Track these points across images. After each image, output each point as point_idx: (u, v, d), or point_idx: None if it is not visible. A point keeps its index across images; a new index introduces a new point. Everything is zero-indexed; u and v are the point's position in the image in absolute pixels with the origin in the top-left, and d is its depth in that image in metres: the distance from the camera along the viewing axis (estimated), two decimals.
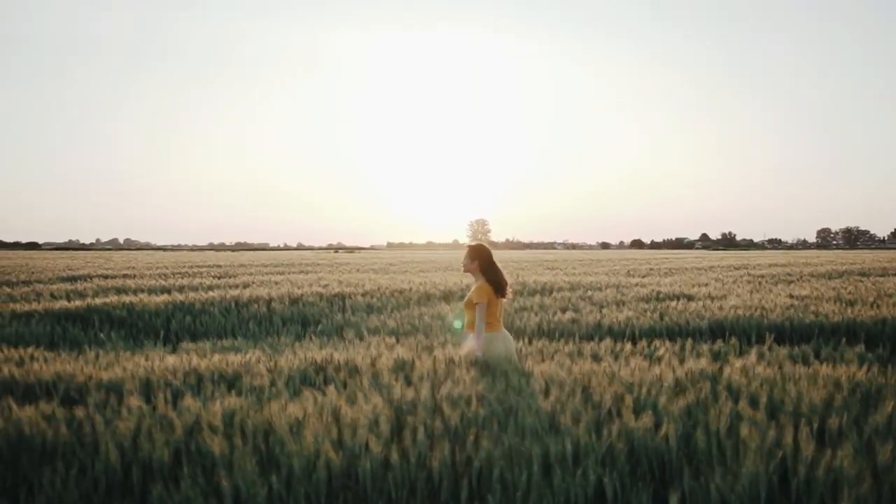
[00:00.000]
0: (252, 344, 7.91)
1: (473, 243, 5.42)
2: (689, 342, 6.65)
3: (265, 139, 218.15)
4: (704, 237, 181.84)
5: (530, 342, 7.00)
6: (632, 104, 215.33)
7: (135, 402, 4.42)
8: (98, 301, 10.77)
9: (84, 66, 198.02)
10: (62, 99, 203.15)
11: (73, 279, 17.09)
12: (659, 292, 11.62)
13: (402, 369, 5.07)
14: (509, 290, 5.40)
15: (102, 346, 8.25)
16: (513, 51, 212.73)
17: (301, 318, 9.86)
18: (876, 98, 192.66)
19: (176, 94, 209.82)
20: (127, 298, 10.96)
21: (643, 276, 17.86)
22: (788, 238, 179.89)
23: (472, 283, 5.55)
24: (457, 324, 7.58)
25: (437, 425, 3.65)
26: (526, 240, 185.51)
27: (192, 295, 11.41)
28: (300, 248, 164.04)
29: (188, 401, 4.28)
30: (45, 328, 9.13)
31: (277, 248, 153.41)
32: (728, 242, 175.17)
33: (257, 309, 10.31)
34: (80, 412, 4.22)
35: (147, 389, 5.00)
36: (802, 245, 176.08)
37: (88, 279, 16.91)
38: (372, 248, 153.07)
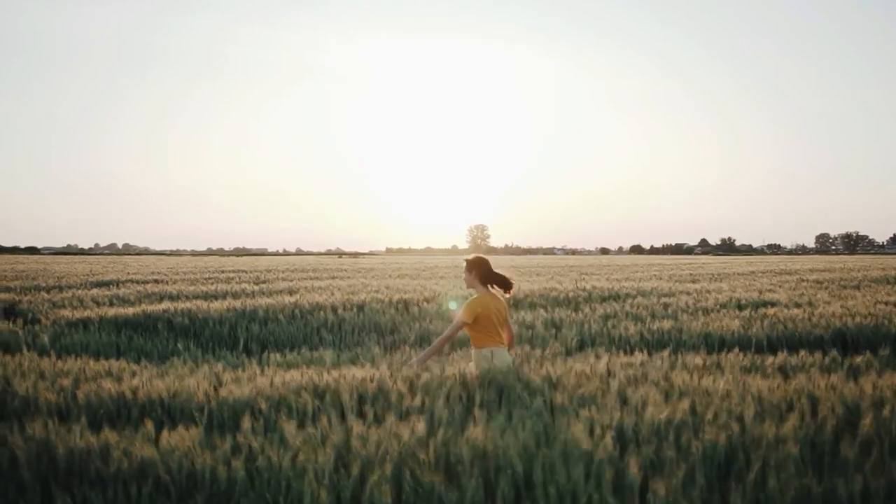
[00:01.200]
0: (338, 355, 7.32)
1: (470, 257, 5.29)
2: (821, 354, 6.08)
3: (263, 144, 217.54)
4: (704, 242, 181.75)
5: (648, 354, 6.42)
6: (630, 109, 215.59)
7: (290, 426, 3.84)
8: (153, 307, 10.17)
9: (80, 71, 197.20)
10: (61, 103, 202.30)
11: (105, 284, 16.46)
12: (738, 298, 11.06)
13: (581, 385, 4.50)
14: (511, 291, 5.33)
15: (179, 356, 7.66)
16: (512, 56, 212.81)
17: (374, 326, 9.27)
18: (875, 103, 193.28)
19: (174, 98, 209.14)
20: (183, 305, 10.36)
21: (692, 282, 17.32)
22: (787, 243, 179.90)
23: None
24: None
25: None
26: (525, 245, 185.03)
27: (248, 301, 10.81)
28: (299, 253, 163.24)
29: (356, 424, 3.71)
30: (109, 337, 8.53)
31: (276, 254, 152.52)
32: (728, 247, 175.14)
33: (324, 317, 9.72)
34: (241, 439, 3.64)
35: (289, 409, 4.42)
36: (801, 250, 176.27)
37: (121, 284, 16.29)
38: (370, 253, 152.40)
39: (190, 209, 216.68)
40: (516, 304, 11.12)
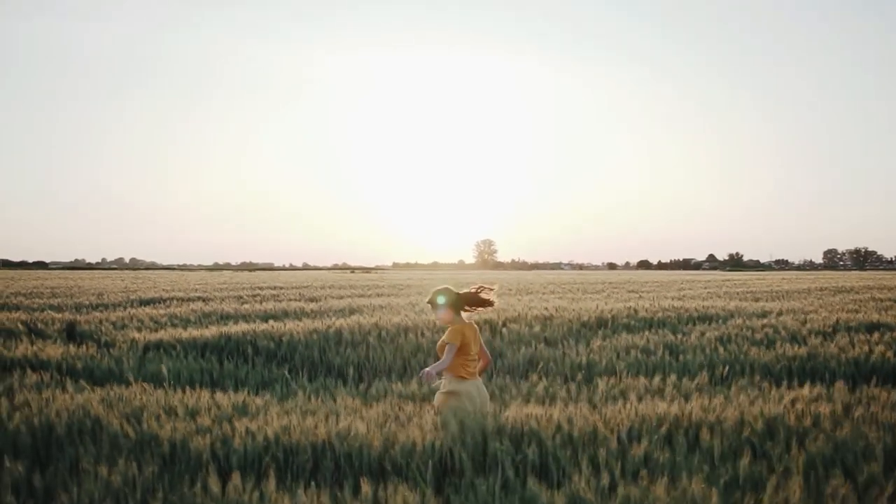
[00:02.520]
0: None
1: (429, 296, 5.07)
2: None
3: (268, 159, 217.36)
4: (711, 258, 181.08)
5: (811, 386, 5.76)
6: (635, 125, 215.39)
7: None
8: (230, 329, 9.55)
9: (81, 84, 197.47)
10: (65, 118, 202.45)
11: (151, 302, 15.83)
12: (843, 321, 10.37)
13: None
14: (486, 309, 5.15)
15: (279, 385, 7.02)
16: (517, 71, 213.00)
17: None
18: (883, 117, 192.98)
19: (179, 113, 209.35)
20: (260, 326, 9.74)
21: (755, 300, 16.65)
22: (795, 259, 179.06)
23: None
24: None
25: None
26: (531, 260, 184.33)
27: (328, 322, 10.16)
28: (306, 267, 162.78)
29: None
30: (196, 362, 7.90)
31: (283, 268, 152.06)
32: (735, 263, 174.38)
33: (414, 339, 9.07)
34: None
35: (521, 460, 3.79)
36: (810, 266, 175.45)
37: (168, 302, 15.66)
38: (377, 268, 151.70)
39: (193, 224, 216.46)
40: (604, 324, 10.47)
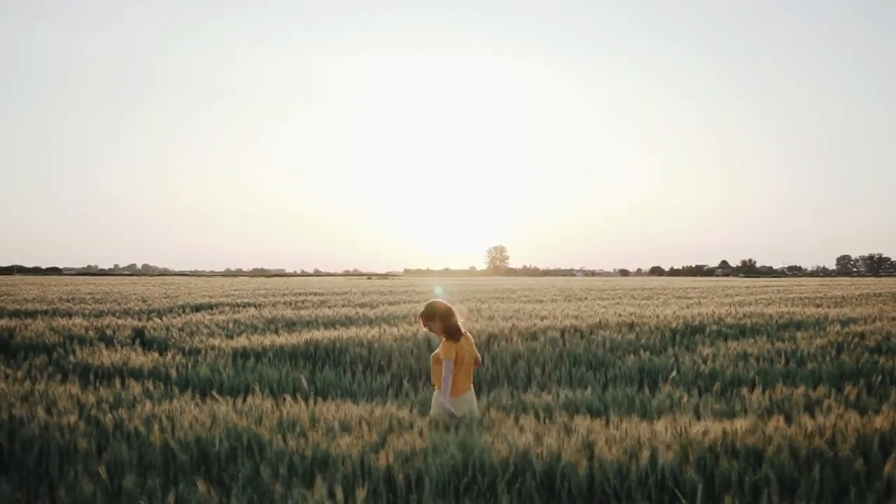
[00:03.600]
0: (599, 397, 6.23)
1: (422, 308, 5.05)
2: None
3: (277, 165, 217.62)
4: (724, 264, 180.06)
5: None
6: (646, 131, 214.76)
7: None
8: (319, 336, 9.16)
9: (80, 93, 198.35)
10: (76, 125, 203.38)
11: (202, 308, 15.47)
12: None
13: None
14: (466, 335, 5.04)
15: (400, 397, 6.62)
16: (526, 77, 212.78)
17: (591, 358, 8.21)
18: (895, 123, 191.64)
19: (188, 120, 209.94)
20: (347, 333, 9.35)
21: (816, 306, 16.17)
22: (808, 265, 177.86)
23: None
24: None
25: None
26: (542, 267, 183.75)
27: (410, 329, 9.76)
28: (318, 274, 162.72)
29: None
30: (294, 370, 7.51)
31: (295, 274, 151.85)
32: (748, 269, 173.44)
33: (509, 345, 8.66)
34: None
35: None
36: (823, 272, 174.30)
37: (219, 308, 15.30)
38: (388, 274, 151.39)
39: (203, 230, 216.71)
40: (696, 331, 10.03)
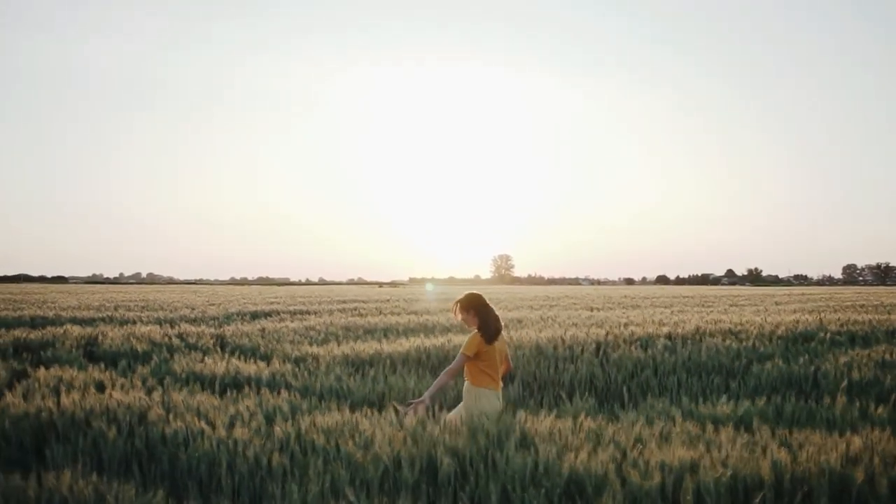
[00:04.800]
0: (734, 406, 5.84)
1: (462, 296, 4.95)
2: None
3: (281, 174, 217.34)
4: (730, 273, 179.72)
5: None
6: (650, 139, 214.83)
7: None
8: (428, 343, 8.79)
9: (86, 101, 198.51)
10: (80, 133, 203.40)
11: (259, 316, 15.09)
12: None
13: None
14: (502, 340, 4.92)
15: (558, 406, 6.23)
16: (531, 86, 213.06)
17: (716, 366, 7.81)
18: None
19: (196, 128, 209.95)
20: (457, 339, 8.97)
21: (889, 313, 15.77)
22: (813, 274, 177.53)
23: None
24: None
25: None
26: (547, 275, 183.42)
27: (508, 337, 9.37)
28: (323, 282, 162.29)
29: None
30: (417, 379, 7.13)
31: (300, 283, 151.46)
32: (754, 278, 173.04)
33: (628, 353, 8.27)
34: None
35: None
36: (829, 281, 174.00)
37: (279, 315, 14.91)
38: (393, 283, 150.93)
39: (206, 239, 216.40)
40: (805, 338, 9.64)
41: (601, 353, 8.40)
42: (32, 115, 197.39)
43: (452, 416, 4.85)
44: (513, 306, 19.85)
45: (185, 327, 11.19)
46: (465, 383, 4.86)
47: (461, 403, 4.91)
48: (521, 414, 4.76)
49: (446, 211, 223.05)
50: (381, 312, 16.47)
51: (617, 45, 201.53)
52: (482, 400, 4.75)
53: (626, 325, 11.24)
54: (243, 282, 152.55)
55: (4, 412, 5.24)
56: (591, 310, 17.88)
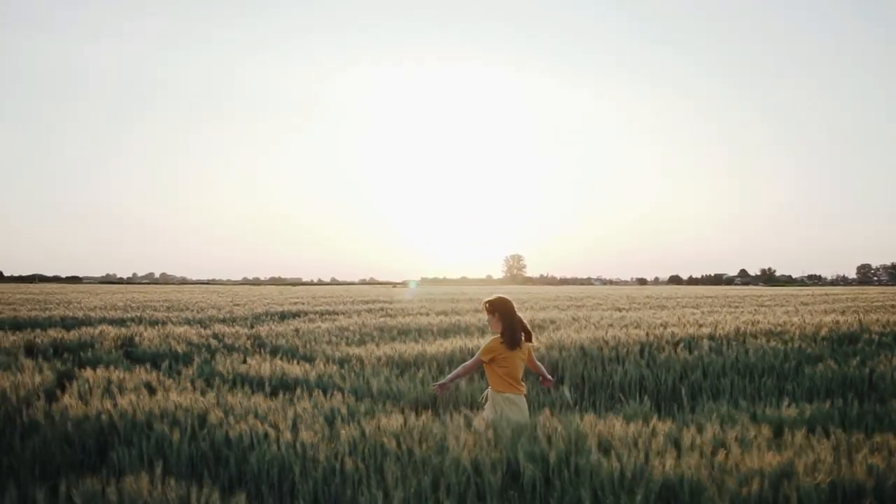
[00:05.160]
0: (799, 411, 5.73)
1: (492, 297, 4.85)
2: None
3: (290, 175, 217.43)
4: (743, 273, 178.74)
5: None
6: (661, 139, 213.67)
7: None
8: (471, 344, 8.71)
9: (81, 105, 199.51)
10: (87, 134, 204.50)
11: (287, 317, 15.08)
12: None
13: None
14: (531, 344, 4.84)
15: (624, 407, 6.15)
16: (541, 86, 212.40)
17: (766, 368, 7.70)
18: None
19: (205, 129, 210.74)
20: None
21: None
22: (827, 274, 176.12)
23: None
24: (412, 284, 5.63)
25: None
26: (559, 275, 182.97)
27: (549, 338, 9.28)
28: (335, 283, 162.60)
29: None
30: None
31: (312, 283, 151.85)
32: (768, 278, 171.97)
33: (675, 355, 8.16)
34: None
35: None
36: (843, 281, 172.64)
37: (308, 316, 14.90)
38: (404, 282, 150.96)
39: (219, 240, 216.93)
40: (849, 340, 9.50)
41: (646, 354, 8.30)
42: (33, 116, 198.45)
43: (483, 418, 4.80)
44: (539, 307, 19.75)
45: (219, 328, 11.17)
46: (489, 389, 4.81)
47: (487, 405, 4.84)
48: (587, 417, 4.68)
49: (457, 211, 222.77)
50: (408, 313, 16.41)
51: (617, 45, 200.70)
52: (506, 406, 4.69)
53: (664, 325, 11.13)
54: (256, 282, 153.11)
55: (64, 414, 5.20)
56: (619, 310, 17.75)
